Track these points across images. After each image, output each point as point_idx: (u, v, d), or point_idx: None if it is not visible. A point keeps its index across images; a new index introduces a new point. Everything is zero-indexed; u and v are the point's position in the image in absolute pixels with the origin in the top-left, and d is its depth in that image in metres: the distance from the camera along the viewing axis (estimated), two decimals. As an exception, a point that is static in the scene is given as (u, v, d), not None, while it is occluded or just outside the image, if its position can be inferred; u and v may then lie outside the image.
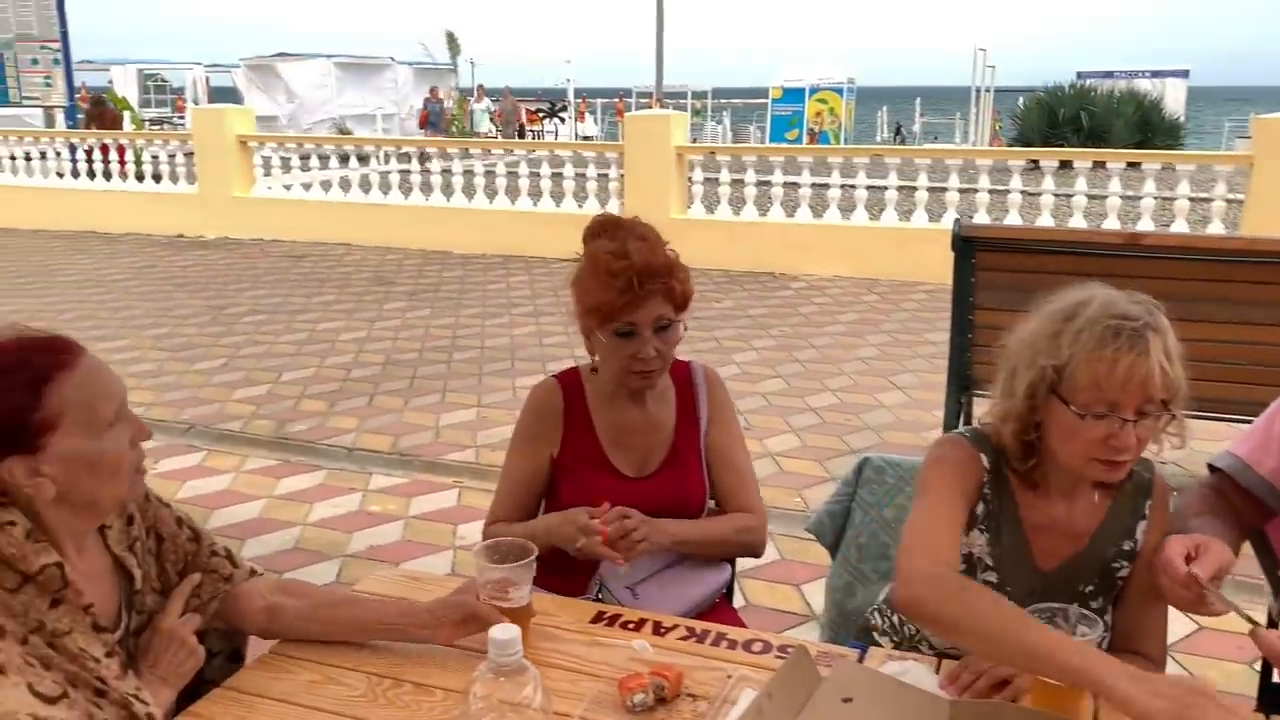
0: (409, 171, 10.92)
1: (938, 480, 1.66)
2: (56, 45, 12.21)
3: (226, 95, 26.97)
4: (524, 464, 2.05)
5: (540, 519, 2.00)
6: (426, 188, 10.79)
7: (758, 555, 2.12)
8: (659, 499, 1.98)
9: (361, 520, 4.11)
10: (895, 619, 1.91)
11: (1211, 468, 1.88)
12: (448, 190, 10.83)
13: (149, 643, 1.51)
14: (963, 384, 4.07)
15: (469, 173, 10.86)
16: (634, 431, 2.04)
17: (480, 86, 27.20)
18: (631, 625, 1.73)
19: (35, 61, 12.29)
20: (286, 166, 11.55)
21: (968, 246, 3.79)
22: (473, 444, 4.94)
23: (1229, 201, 8.27)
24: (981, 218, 8.55)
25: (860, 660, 1.63)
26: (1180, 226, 8.03)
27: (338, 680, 1.58)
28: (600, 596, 1.96)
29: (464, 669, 1.59)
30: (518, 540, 1.70)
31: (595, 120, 33.81)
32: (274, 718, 1.49)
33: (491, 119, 25.67)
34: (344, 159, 11.99)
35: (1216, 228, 8.14)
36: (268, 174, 11.40)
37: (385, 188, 11.02)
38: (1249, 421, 1.92)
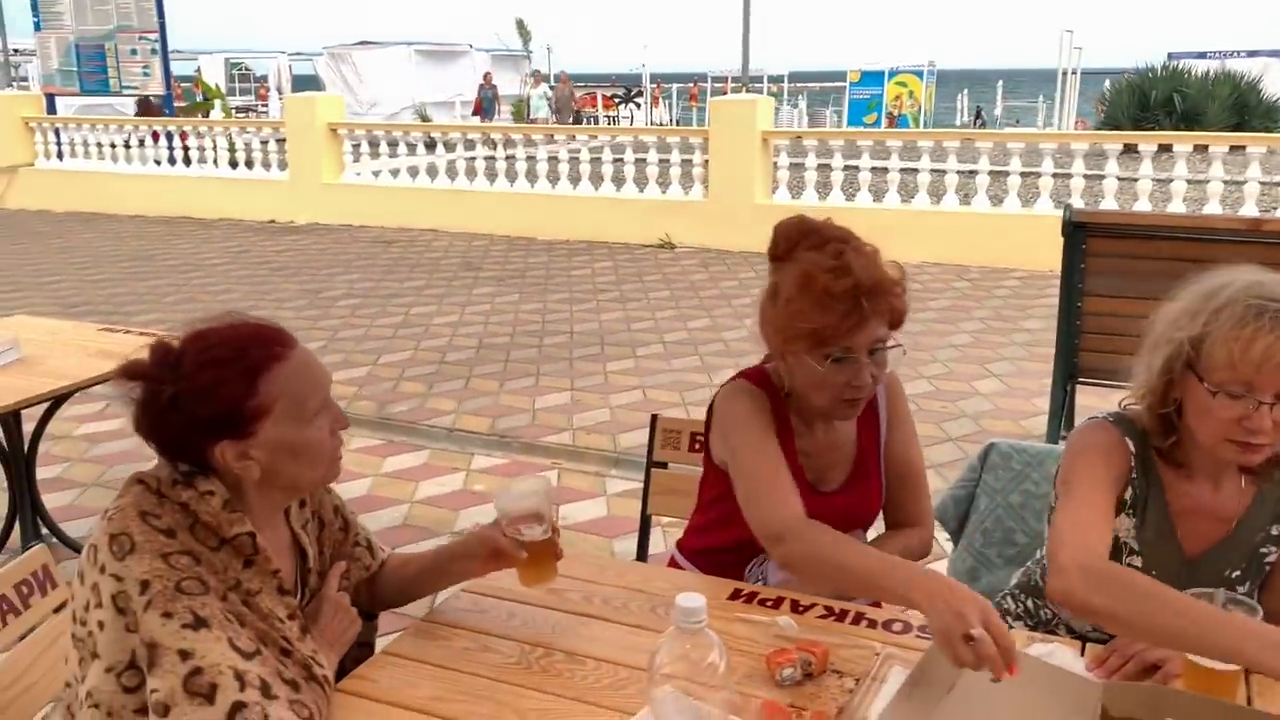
0: (493, 158, 11.05)
1: (1085, 471, 1.64)
2: (154, 35, 12.56)
3: (308, 83, 27.46)
4: (777, 448, 1.79)
5: (910, 566, 1.54)
6: (511, 174, 10.91)
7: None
8: (842, 513, 1.86)
9: (467, 499, 4.21)
10: (1030, 603, 1.91)
11: None
12: (531, 176, 10.93)
13: (316, 611, 1.59)
14: (1069, 372, 4.02)
15: (553, 159, 10.95)
16: (825, 448, 1.91)
17: (537, 72, 26.81)
18: (770, 603, 1.76)
19: (134, 52, 12.66)
20: (375, 153, 11.76)
21: (1079, 232, 3.74)
22: (568, 427, 5.01)
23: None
24: (1076, 203, 8.37)
25: (1004, 642, 1.64)
26: (1286, 212, 7.78)
27: (491, 648, 1.64)
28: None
29: (614, 641, 1.64)
30: (536, 478, 1.72)
31: (669, 106, 33.75)
32: (435, 680, 1.55)
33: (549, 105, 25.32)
34: (430, 145, 12.16)
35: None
36: (356, 160, 11.62)
37: (471, 174, 11.16)
38: None
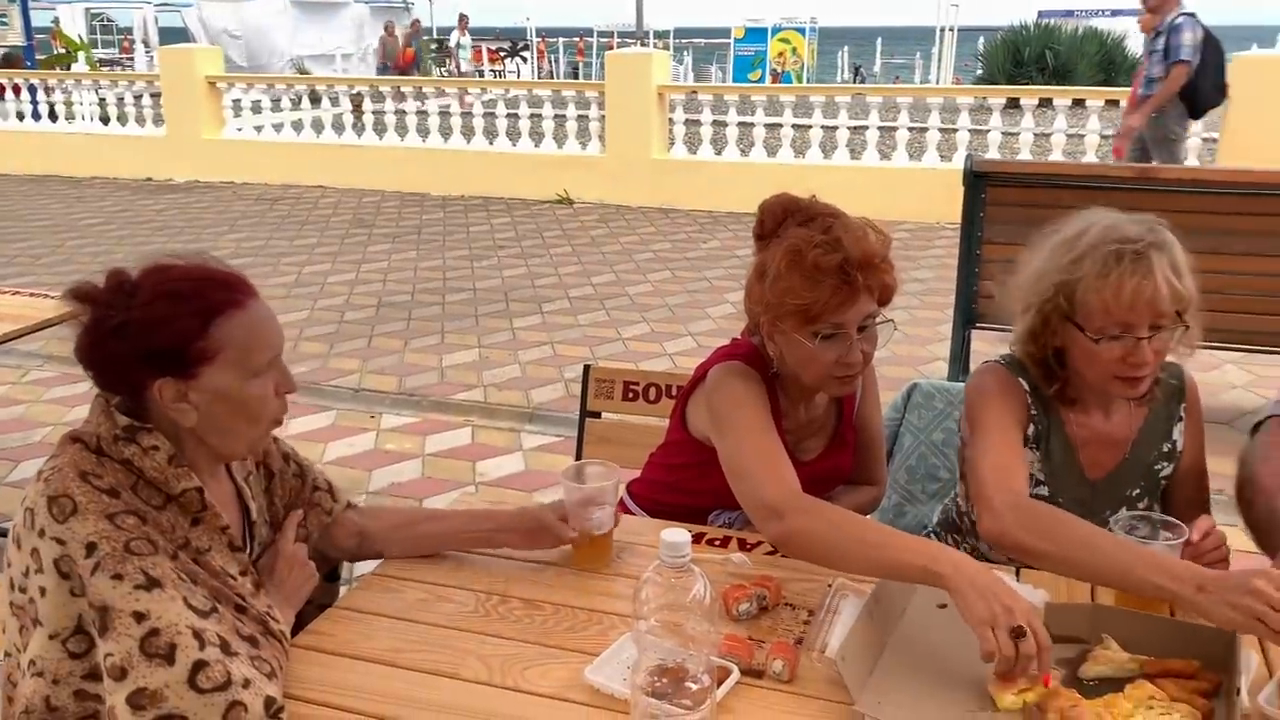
0: (382, 112, 10.76)
1: (993, 413, 1.72)
2: (11, -18, 11.84)
3: (176, 36, 26.15)
4: (773, 428, 1.75)
5: (930, 542, 1.53)
6: (401, 129, 10.65)
7: None
8: (818, 478, 1.86)
9: (379, 458, 4.15)
10: (949, 539, 2.00)
11: (1258, 425, 1.83)
12: (422, 131, 10.70)
13: (271, 566, 1.56)
14: (968, 318, 4.16)
15: (444, 113, 10.73)
16: (808, 422, 1.90)
17: (416, 22, 24.63)
18: (717, 542, 1.80)
19: (-11, -1, 11.91)
20: (256, 108, 11.33)
21: (979, 181, 3.86)
22: (479, 383, 4.97)
23: (1205, 140, 8.41)
24: (960, 156, 8.61)
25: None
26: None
27: (446, 598, 1.63)
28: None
29: (568, 586, 1.65)
30: (604, 464, 1.74)
31: (555, 61, 33.34)
32: (392, 633, 1.54)
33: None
34: (314, 99, 11.77)
35: (1192, 163, 8.27)
36: (237, 115, 11.18)
37: (359, 129, 10.86)
38: (1262, 351, 1.96)
